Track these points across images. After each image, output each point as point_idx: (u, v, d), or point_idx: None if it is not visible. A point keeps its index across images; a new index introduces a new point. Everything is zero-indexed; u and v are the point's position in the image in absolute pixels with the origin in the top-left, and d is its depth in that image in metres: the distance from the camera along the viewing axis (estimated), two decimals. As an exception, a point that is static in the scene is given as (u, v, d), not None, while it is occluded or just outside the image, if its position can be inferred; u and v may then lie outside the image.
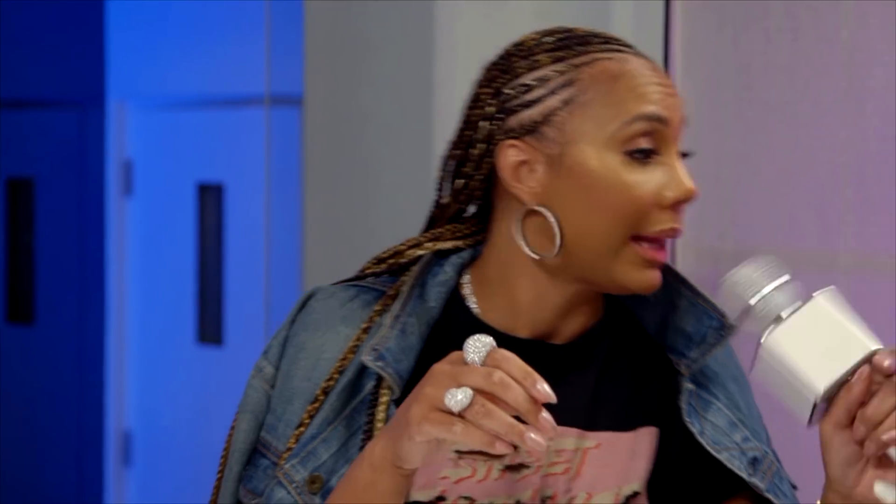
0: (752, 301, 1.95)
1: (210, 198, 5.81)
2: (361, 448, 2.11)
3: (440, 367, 1.89)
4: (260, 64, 5.11)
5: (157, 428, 6.03)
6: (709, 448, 2.17)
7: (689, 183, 2.08)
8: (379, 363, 2.08)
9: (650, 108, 2.09)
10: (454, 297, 2.21)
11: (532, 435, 1.80)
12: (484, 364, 1.86)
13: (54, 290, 6.31)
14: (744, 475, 2.18)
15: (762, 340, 1.94)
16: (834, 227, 3.29)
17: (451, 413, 1.85)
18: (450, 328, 2.19)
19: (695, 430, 2.18)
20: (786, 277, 1.93)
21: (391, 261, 2.22)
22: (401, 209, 3.55)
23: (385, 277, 2.23)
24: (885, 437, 1.89)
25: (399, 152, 3.66)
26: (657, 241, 2.11)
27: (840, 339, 1.94)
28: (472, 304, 2.20)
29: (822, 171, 3.31)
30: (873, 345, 1.91)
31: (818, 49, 3.33)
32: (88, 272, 6.18)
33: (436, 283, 2.21)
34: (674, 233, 2.09)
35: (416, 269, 2.19)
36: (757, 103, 3.47)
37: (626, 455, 2.20)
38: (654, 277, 2.12)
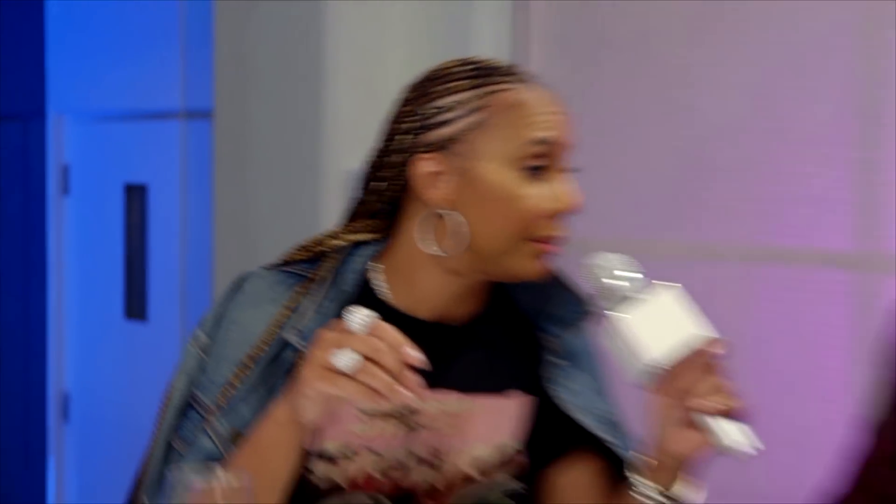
0: (608, 281, 2.02)
1: (135, 196, 5.84)
2: None
3: (327, 334, 1.95)
4: (176, 84, 5.28)
5: (91, 389, 6.00)
6: (569, 409, 2.22)
7: (572, 197, 2.13)
8: (302, 342, 2.11)
9: (543, 134, 2.12)
10: (366, 283, 2.20)
11: (403, 391, 1.90)
12: (366, 333, 1.92)
13: (2, 274, 6.18)
14: (599, 434, 2.21)
15: (609, 314, 2.00)
16: (671, 221, 3.25)
17: (338, 372, 1.91)
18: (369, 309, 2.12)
19: (561, 396, 2.22)
20: (635, 268, 2.01)
21: (313, 249, 2.23)
22: (292, 207, 3.60)
23: (307, 263, 2.22)
24: (696, 404, 1.97)
25: (290, 158, 3.64)
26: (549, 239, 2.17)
27: (676, 322, 1.99)
28: (382, 289, 2.20)
29: (654, 173, 3.25)
30: (702, 332, 1.97)
31: (649, 75, 3.25)
32: (32, 259, 6.17)
33: (351, 270, 2.21)
34: (555, 239, 2.14)
35: (334, 257, 2.23)
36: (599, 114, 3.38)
37: (504, 416, 2.22)
38: (543, 267, 2.16)
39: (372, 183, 2.21)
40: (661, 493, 2.06)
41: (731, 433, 1.94)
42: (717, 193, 3.15)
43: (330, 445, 2.13)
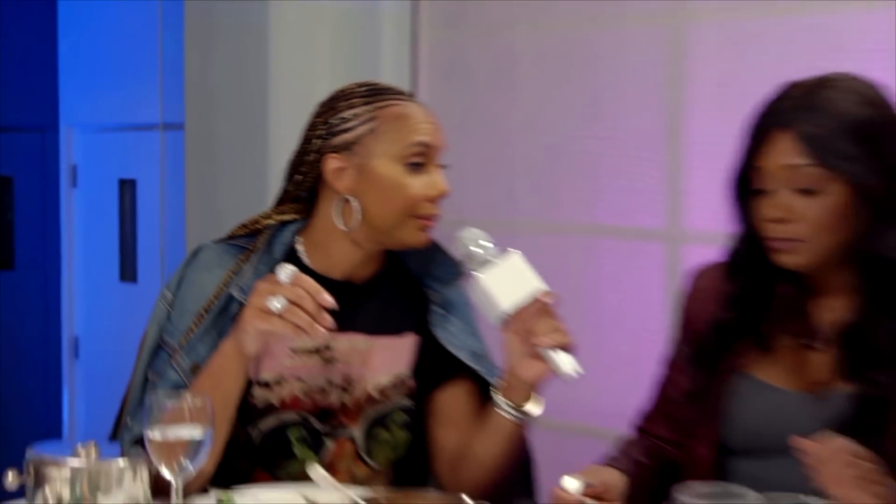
0: (472, 249, 2.06)
1: (127, 189, 5.74)
2: None
3: (262, 284, 2.02)
4: (156, 103, 5.11)
5: (94, 334, 5.86)
6: (447, 346, 2.26)
7: (442, 186, 2.19)
8: (243, 296, 2.16)
9: (420, 138, 2.16)
10: (292, 252, 2.25)
11: (320, 327, 1.97)
12: (291, 283, 1.99)
13: (27, 247, 6.11)
14: (470, 363, 2.26)
15: (474, 274, 2.03)
16: (528, 204, 3.26)
17: (270, 313, 1.97)
18: None
19: (441, 336, 2.27)
20: (489, 239, 2.07)
21: (251, 227, 2.27)
22: (246, 196, 3.52)
23: (246, 237, 2.26)
24: (537, 340, 1.99)
25: (245, 159, 3.61)
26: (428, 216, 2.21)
27: (521, 279, 2.03)
28: (303, 256, 2.24)
29: (515, 167, 3.27)
30: (540, 286, 2.02)
31: (512, 94, 3.26)
32: (49, 237, 6.05)
33: (280, 242, 2.25)
34: (432, 216, 2.18)
35: (267, 232, 2.25)
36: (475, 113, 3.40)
37: (398, 352, 2.28)
38: (426, 237, 2.21)
39: (295, 176, 2.26)
40: (515, 408, 2.12)
41: (564, 362, 1.99)
42: (564, 183, 3.16)
43: (266, 375, 2.19)
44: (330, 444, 2.21)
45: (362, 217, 2.18)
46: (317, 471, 1.84)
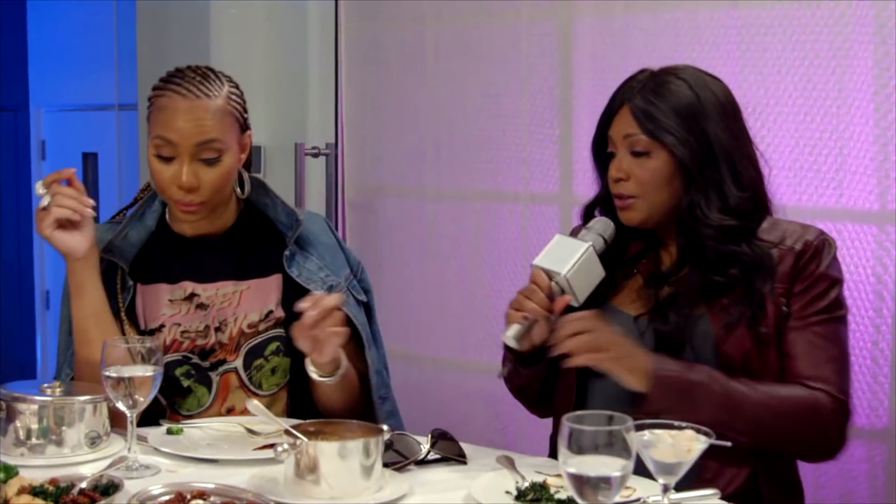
0: (596, 232, 2.00)
1: (90, 161, 5.65)
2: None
3: (36, 210, 2.06)
4: (112, 86, 5.06)
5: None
6: (300, 281, 2.21)
7: (181, 178, 2.07)
8: (107, 255, 2.17)
9: (166, 133, 2.07)
10: (162, 217, 2.26)
11: (86, 202, 2.05)
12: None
13: (3, 212, 6.06)
14: (319, 293, 2.13)
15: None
16: (436, 173, 3.27)
17: (46, 210, 2.02)
18: (158, 234, 2.25)
19: (292, 272, 2.20)
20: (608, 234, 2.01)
21: (136, 198, 2.31)
22: None
23: (130, 209, 2.28)
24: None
25: None
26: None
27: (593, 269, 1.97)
28: (168, 220, 2.25)
29: (426, 143, 3.27)
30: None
31: (424, 78, 3.27)
32: (22, 203, 5.93)
33: (151, 210, 2.25)
34: (184, 206, 2.13)
35: (141, 202, 2.26)
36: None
37: (265, 290, 2.21)
38: (192, 219, 2.17)
39: None
40: (318, 374, 2.08)
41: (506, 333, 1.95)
42: (467, 155, 3.17)
43: (150, 325, 2.18)
44: (216, 378, 2.20)
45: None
46: (254, 404, 1.85)
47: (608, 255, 2.05)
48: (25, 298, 5.89)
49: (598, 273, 1.96)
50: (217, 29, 3.63)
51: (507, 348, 2.06)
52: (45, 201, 2.02)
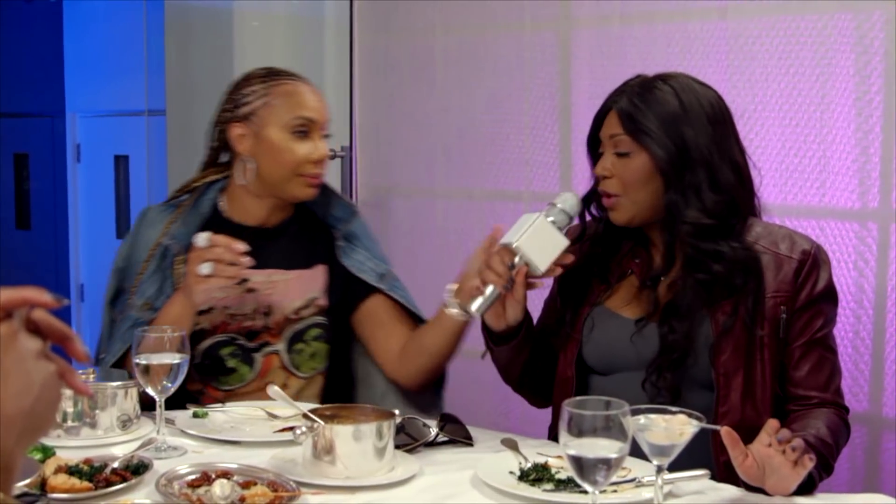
0: (558, 205, 1.92)
1: (121, 163, 5.70)
2: (171, 286, 2.17)
3: (191, 255, 2.05)
4: (142, 93, 5.05)
5: (96, 282, 5.82)
6: (353, 271, 2.24)
7: (322, 150, 2.16)
8: (173, 241, 2.20)
9: (305, 112, 2.15)
10: (215, 206, 2.26)
11: (242, 270, 2.03)
12: (209, 246, 2.02)
13: (41, 211, 6.05)
14: (374, 282, 2.24)
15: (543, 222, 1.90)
16: (446, 174, 3.26)
17: (206, 277, 2.01)
18: (213, 222, 2.24)
19: (346, 263, 2.24)
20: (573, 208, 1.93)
21: (185, 188, 2.29)
22: None
23: (183, 197, 2.28)
24: (487, 274, 1.91)
25: None
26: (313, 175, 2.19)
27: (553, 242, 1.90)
28: (224, 209, 2.25)
29: (435, 146, 3.27)
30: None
31: (433, 85, 3.27)
32: (58, 202, 5.97)
33: (206, 199, 2.25)
34: (316, 176, 2.18)
35: (195, 191, 2.26)
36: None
37: (310, 280, 2.24)
38: (311, 192, 2.20)
39: (212, 143, 2.27)
40: (459, 306, 2.11)
41: (476, 302, 1.93)
42: (472, 157, 3.17)
43: (200, 307, 2.17)
44: (259, 359, 2.21)
45: (257, 174, 2.19)
46: (274, 389, 1.85)
47: (600, 256, 2.04)
48: (62, 292, 5.92)
49: (555, 242, 1.90)
50: (240, 40, 3.63)
51: (484, 330, 2.05)
52: (206, 269, 2.02)
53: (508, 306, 1.94)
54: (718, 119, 1.95)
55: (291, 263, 2.25)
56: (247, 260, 2.04)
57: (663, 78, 1.98)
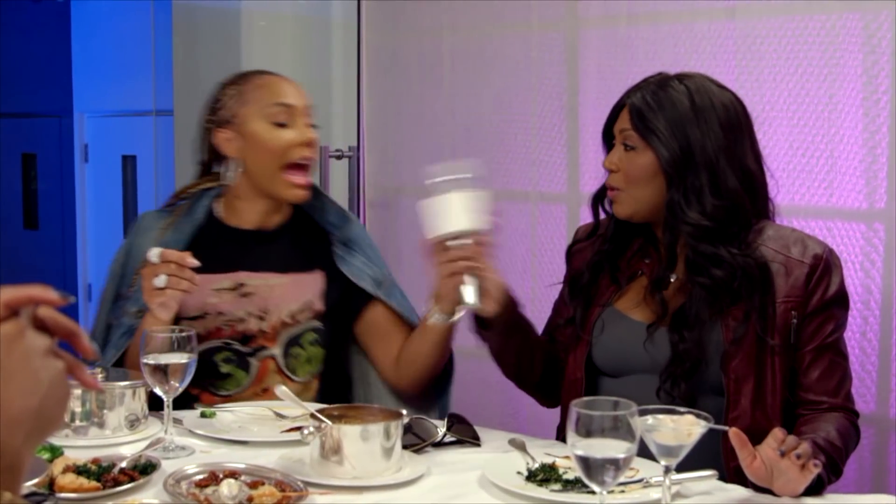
0: (441, 177, 1.93)
1: (128, 163, 5.71)
2: None
3: (144, 271, 2.01)
4: (150, 93, 5.05)
5: (104, 281, 5.87)
6: (351, 277, 2.23)
7: (308, 134, 2.15)
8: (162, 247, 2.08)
9: (282, 99, 2.14)
10: (210, 212, 2.24)
11: (195, 280, 1.98)
12: (162, 260, 1.97)
13: (49, 211, 6.06)
14: (370, 290, 2.23)
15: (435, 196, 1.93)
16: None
17: (160, 289, 1.95)
18: (207, 227, 2.23)
19: (344, 269, 2.22)
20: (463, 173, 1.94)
21: (179, 195, 2.28)
22: None
23: (178, 203, 2.27)
24: (453, 268, 1.91)
25: None
26: (300, 168, 2.16)
27: (463, 214, 1.91)
28: (220, 215, 2.24)
29: (443, 145, 3.27)
30: (475, 225, 1.91)
31: (439, 85, 3.26)
32: (66, 202, 5.97)
33: (200, 206, 2.24)
34: (305, 159, 2.16)
35: (189, 198, 2.26)
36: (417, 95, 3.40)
37: (307, 284, 2.22)
38: (299, 194, 2.18)
39: (202, 157, 2.27)
40: (440, 314, 2.11)
41: (468, 293, 1.93)
42: (480, 156, 3.12)
43: (192, 312, 2.18)
44: (255, 363, 2.21)
45: (245, 172, 2.18)
46: (282, 389, 1.85)
47: (611, 253, 2.05)
48: (69, 291, 5.94)
49: (477, 201, 1.92)
50: (247, 40, 3.63)
51: (475, 321, 2.05)
52: (161, 281, 1.98)
53: (489, 284, 1.94)
54: (733, 123, 1.93)
55: (288, 267, 2.24)
56: (195, 276, 2.01)
57: (681, 77, 1.97)
